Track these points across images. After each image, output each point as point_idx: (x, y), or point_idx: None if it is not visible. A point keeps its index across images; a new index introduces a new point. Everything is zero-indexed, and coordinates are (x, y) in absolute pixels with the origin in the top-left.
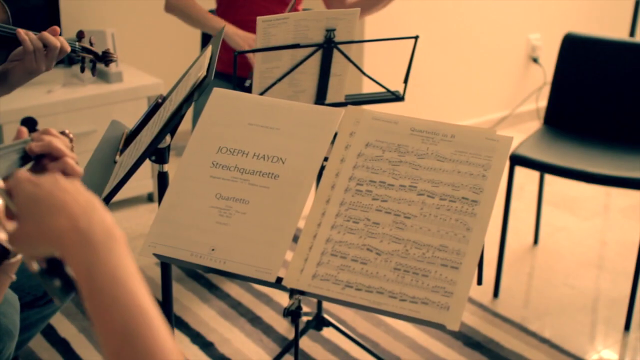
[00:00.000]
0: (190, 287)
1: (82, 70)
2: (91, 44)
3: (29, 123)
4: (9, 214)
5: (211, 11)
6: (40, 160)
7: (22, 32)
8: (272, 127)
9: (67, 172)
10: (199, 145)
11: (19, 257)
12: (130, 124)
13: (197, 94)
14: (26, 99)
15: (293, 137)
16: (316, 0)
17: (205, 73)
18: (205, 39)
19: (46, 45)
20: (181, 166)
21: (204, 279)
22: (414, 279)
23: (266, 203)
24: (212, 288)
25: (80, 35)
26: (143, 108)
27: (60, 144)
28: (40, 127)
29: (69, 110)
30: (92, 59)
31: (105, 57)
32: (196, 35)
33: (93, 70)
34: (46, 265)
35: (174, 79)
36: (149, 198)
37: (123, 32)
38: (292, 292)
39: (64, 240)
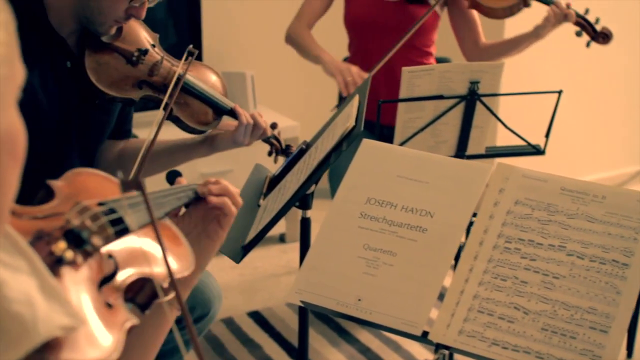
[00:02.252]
0: (320, 330)
1: (270, 154)
2: (279, 135)
3: (173, 176)
4: None
5: (345, 59)
6: (198, 202)
7: (239, 108)
8: (421, 180)
9: (224, 212)
10: (348, 195)
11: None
12: (267, 165)
13: (346, 144)
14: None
15: (442, 191)
16: (453, 50)
17: (354, 123)
18: None
19: (255, 124)
20: (330, 215)
21: (333, 322)
22: (562, 340)
23: (414, 256)
24: (342, 332)
25: (274, 125)
26: None
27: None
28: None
29: None
30: (277, 149)
31: (287, 150)
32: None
33: (275, 158)
34: None
35: (309, 122)
36: (281, 239)
37: (262, 74)
38: (438, 347)
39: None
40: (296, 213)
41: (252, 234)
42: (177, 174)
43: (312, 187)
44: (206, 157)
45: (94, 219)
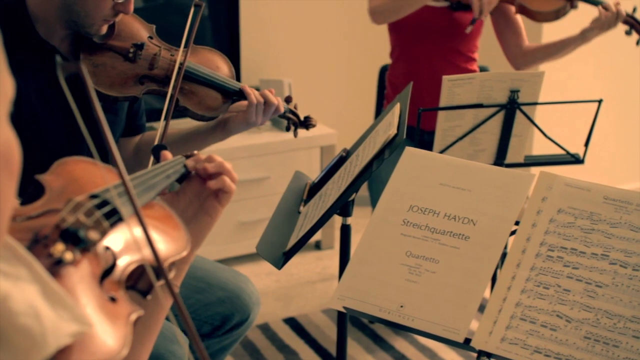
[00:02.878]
0: (356, 337)
1: (288, 129)
2: (295, 108)
3: (157, 150)
4: None
5: (385, 66)
6: (191, 178)
7: (247, 87)
8: (464, 188)
9: (224, 190)
10: (391, 203)
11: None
12: (305, 171)
13: (389, 152)
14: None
15: (485, 199)
16: (490, 58)
17: (396, 131)
18: (381, 90)
19: (266, 102)
20: (373, 222)
21: (369, 329)
22: (605, 349)
23: (456, 263)
24: (378, 339)
25: (288, 99)
26: (316, 157)
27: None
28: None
29: (245, 156)
30: (295, 122)
31: (307, 122)
32: (371, 86)
33: (295, 132)
34: None
35: (347, 130)
36: (317, 246)
37: (299, 82)
38: (480, 354)
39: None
40: (332, 220)
41: (293, 241)
42: (162, 147)
43: (353, 195)
44: (243, 164)
45: (89, 215)
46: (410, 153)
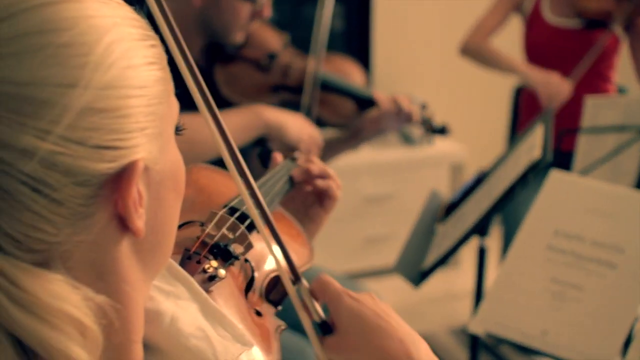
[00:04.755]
0: None
1: (422, 136)
2: (430, 115)
3: (266, 154)
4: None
5: (520, 87)
6: (300, 185)
7: (379, 95)
8: (612, 214)
9: (329, 195)
10: (535, 227)
11: None
12: (439, 184)
13: (533, 175)
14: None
15: (633, 227)
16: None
17: (540, 154)
18: (515, 109)
19: (399, 110)
20: (516, 246)
21: (496, 354)
22: None
23: (602, 292)
24: None
25: (423, 106)
26: (444, 174)
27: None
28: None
29: (372, 172)
30: (429, 128)
31: (442, 130)
32: (503, 104)
33: (429, 138)
34: None
35: (480, 147)
36: None
37: (431, 96)
38: None
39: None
40: None
41: (431, 259)
42: (270, 150)
43: (493, 216)
44: (369, 180)
45: (232, 229)
46: (556, 177)
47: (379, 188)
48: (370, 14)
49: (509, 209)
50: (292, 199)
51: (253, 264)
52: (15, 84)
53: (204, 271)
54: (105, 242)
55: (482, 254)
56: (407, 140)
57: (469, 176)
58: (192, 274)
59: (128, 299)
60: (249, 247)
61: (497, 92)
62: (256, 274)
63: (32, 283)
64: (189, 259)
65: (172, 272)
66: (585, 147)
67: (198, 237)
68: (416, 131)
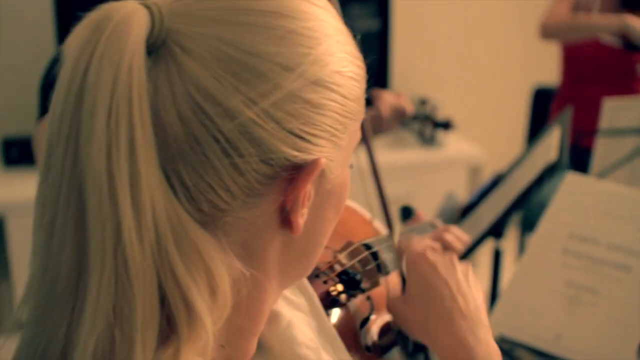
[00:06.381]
0: None
1: (422, 134)
2: (430, 111)
3: (408, 211)
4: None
5: (538, 91)
6: None
7: (374, 93)
8: (627, 217)
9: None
10: (550, 230)
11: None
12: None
13: (549, 177)
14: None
15: None
16: None
17: (555, 156)
18: (535, 112)
19: (390, 105)
20: (531, 249)
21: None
22: None
23: (617, 296)
24: None
25: (423, 102)
26: (461, 177)
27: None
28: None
29: (388, 174)
30: (432, 124)
31: (447, 125)
32: (521, 104)
33: (431, 133)
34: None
35: (497, 149)
36: None
37: (447, 98)
38: None
39: (443, 349)
40: None
41: None
42: (412, 210)
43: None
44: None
45: (364, 263)
46: (572, 179)
47: (396, 189)
48: (389, 15)
49: (529, 209)
50: None
51: (374, 303)
52: (242, 51)
53: (328, 293)
54: (263, 228)
55: (497, 256)
56: (424, 140)
57: (486, 178)
58: (316, 290)
59: (263, 291)
60: (375, 284)
61: (515, 94)
62: (373, 316)
63: (196, 235)
64: (316, 276)
65: (299, 285)
66: (603, 149)
67: (329, 262)
68: (427, 130)
